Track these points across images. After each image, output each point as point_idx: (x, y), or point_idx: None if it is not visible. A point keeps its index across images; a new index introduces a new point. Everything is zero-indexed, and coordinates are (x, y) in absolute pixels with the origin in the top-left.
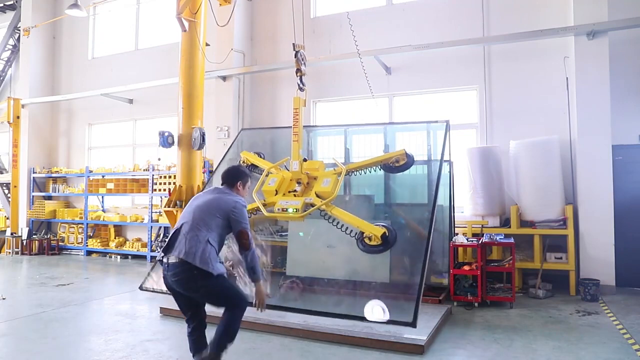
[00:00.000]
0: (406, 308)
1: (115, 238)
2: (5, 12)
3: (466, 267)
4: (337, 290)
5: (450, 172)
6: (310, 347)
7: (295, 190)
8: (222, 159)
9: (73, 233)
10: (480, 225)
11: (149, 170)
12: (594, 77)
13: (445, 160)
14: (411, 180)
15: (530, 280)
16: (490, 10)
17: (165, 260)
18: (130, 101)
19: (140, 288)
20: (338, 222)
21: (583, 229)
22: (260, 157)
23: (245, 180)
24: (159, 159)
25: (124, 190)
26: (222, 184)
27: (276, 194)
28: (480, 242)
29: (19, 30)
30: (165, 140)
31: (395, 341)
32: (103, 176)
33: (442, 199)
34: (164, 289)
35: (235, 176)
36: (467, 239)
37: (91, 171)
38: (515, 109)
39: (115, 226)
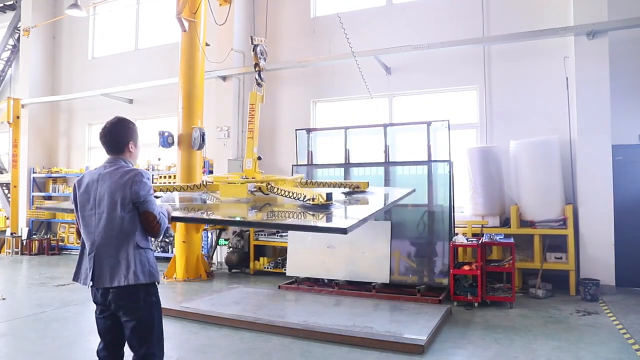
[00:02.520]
0: (404, 308)
1: None
2: (5, 12)
3: (466, 267)
4: (337, 290)
5: (450, 172)
6: (311, 347)
7: (255, 192)
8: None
9: (73, 233)
10: (480, 225)
11: (148, 170)
12: (594, 77)
13: (445, 161)
14: (412, 181)
15: (530, 280)
16: (490, 10)
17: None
18: (130, 101)
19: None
20: (284, 192)
21: (583, 229)
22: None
23: (136, 138)
24: (159, 159)
25: None
26: (108, 153)
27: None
28: (480, 242)
29: (19, 30)
30: (165, 140)
31: (395, 341)
32: None
33: (442, 199)
34: None
35: (122, 135)
36: (467, 239)
37: None
38: (515, 109)
39: None
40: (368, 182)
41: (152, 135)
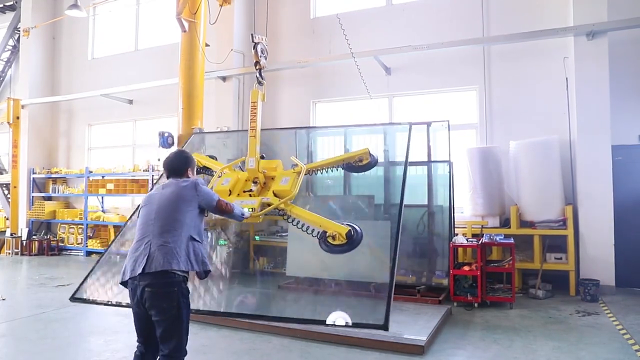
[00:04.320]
0: (404, 308)
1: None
2: (5, 13)
3: (466, 268)
4: (337, 290)
5: (450, 172)
6: (310, 347)
7: (251, 190)
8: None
9: (73, 234)
10: (480, 226)
11: (148, 170)
12: (594, 77)
13: (445, 161)
14: (412, 181)
15: (530, 281)
16: (490, 11)
17: (140, 279)
18: (130, 102)
19: (72, 299)
20: (299, 222)
21: (583, 229)
22: (214, 158)
23: (193, 165)
24: (159, 160)
25: (123, 191)
26: (168, 177)
27: (230, 194)
28: (480, 242)
29: (19, 30)
30: (165, 141)
31: (395, 341)
32: (103, 177)
33: (442, 200)
34: (100, 298)
35: (182, 163)
36: (466, 240)
37: (91, 172)
38: (515, 109)
39: (115, 227)
40: (368, 149)
41: (151, 136)
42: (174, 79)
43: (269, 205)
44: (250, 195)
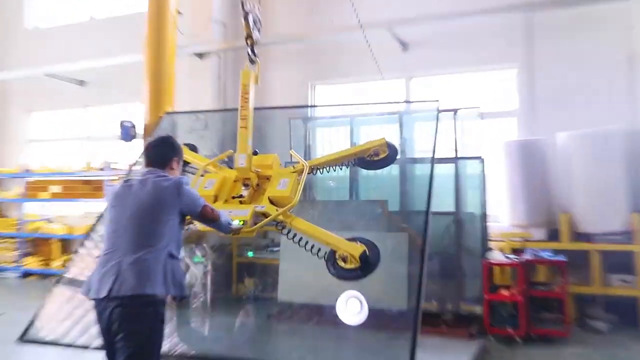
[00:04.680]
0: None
1: (61, 255)
2: None
3: (504, 292)
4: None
5: (482, 171)
6: None
7: (241, 196)
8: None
9: (5, 249)
10: (522, 239)
11: (105, 169)
12: None
13: (476, 157)
14: (435, 183)
15: (589, 309)
16: None
17: (107, 303)
18: (82, 83)
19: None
20: (301, 239)
21: None
22: (193, 151)
23: (180, 155)
24: (119, 156)
25: (73, 195)
26: (148, 165)
27: (215, 200)
28: (521, 259)
29: None
30: (127, 133)
31: None
32: (46, 177)
33: (473, 205)
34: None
35: (167, 151)
36: (504, 256)
37: (30, 170)
38: (565, 93)
39: (61, 240)
40: (385, 139)
41: (110, 126)
42: (137, 55)
43: (264, 215)
44: (240, 202)
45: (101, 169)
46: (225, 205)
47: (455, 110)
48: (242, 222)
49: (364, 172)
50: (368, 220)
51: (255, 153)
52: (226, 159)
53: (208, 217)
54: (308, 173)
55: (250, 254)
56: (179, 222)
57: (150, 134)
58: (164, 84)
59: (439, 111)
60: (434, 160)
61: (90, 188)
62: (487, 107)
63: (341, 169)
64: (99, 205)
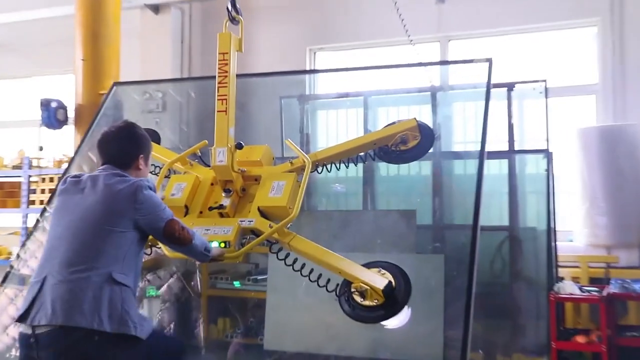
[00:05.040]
0: None
1: None
2: None
3: (580, 338)
4: None
5: (548, 170)
6: None
7: (221, 206)
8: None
9: None
10: (604, 264)
11: (22, 167)
12: None
13: (540, 151)
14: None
15: None
16: None
17: (26, 331)
18: None
19: None
20: (303, 265)
21: None
22: (155, 139)
23: (148, 150)
24: (41, 149)
25: None
26: (104, 164)
27: (187, 212)
28: (604, 293)
29: None
30: (53, 116)
31: None
32: None
33: (535, 218)
34: None
35: (130, 146)
36: (580, 288)
37: None
38: None
39: None
40: (415, 119)
41: (28, 107)
42: (67, 7)
43: (253, 233)
44: (220, 215)
45: (16, 167)
46: (201, 219)
47: (510, 86)
48: (223, 245)
49: (382, 171)
50: (389, 238)
51: (239, 146)
52: (199, 153)
53: (175, 237)
54: (311, 171)
55: (236, 284)
56: (135, 239)
57: (86, 117)
58: (104, 48)
59: (510, 87)
60: (484, 155)
61: (2, 193)
62: (555, 80)
63: (356, 164)
64: (13, 217)
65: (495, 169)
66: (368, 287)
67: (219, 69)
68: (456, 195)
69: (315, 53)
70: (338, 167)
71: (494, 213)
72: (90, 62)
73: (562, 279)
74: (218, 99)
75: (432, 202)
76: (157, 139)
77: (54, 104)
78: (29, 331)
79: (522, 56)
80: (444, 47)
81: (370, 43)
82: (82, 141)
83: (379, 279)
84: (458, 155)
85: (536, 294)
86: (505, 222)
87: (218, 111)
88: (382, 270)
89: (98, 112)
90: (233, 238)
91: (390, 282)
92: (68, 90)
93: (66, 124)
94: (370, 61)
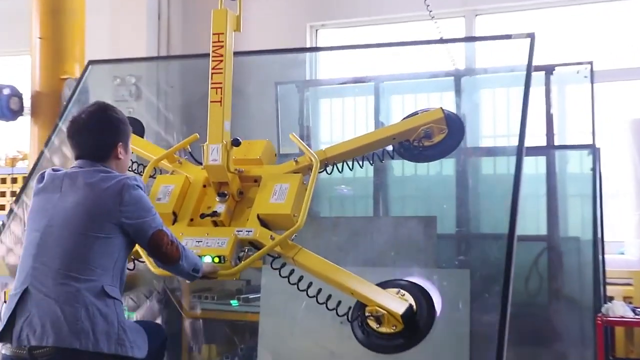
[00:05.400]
0: None
1: None
2: None
3: None
4: None
5: (595, 169)
6: None
7: (215, 213)
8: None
9: None
10: None
11: None
12: None
13: (585, 146)
14: (511, 185)
15: None
16: None
17: (17, 352)
18: None
19: None
20: (310, 284)
21: None
22: (137, 130)
23: (127, 136)
24: None
25: None
26: (79, 157)
27: (175, 219)
28: None
29: None
30: (5, 105)
31: None
32: None
33: (578, 226)
34: None
35: (105, 133)
36: (633, 309)
37: None
38: None
39: None
40: (441, 109)
41: None
42: None
43: (252, 246)
44: (214, 223)
45: None
46: (191, 228)
47: (549, 69)
48: (217, 260)
49: (397, 170)
50: (405, 250)
51: (236, 143)
52: (188, 148)
53: (161, 251)
54: (320, 171)
55: (233, 303)
56: (122, 245)
57: (44, 107)
58: (67, 24)
59: (549, 70)
60: (522, 151)
61: None
62: (602, 63)
63: (371, 163)
64: None
65: (531, 168)
66: (384, 311)
67: (214, 52)
68: (484, 200)
69: (317, 31)
70: (351, 166)
71: (530, 220)
72: (50, 41)
73: (611, 298)
74: (212, 88)
75: (455, 207)
76: (140, 130)
77: (6, 91)
78: (23, 352)
79: (563, 34)
80: (470, 23)
81: (382, 19)
82: (52, 133)
83: (398, 303)
84: (487, 152)
85: (580, 317)
86: (543, 231)
87: (212, 101)
88: (402, 291)
89: (70, 98)
90: (229, 252)
91: (410, 305)
92: (23, 74)
93: (21, 115)
94: (382, 37)
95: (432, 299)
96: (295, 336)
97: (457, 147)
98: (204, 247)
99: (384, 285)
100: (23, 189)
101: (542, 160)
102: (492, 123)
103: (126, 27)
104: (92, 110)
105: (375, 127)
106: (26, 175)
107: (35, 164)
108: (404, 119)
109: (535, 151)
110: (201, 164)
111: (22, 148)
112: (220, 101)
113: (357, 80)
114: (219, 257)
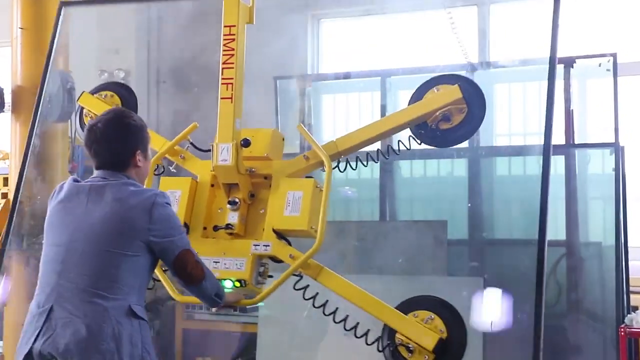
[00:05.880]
0: None
1: None
2: None
3: None
4: None
5: (618, 169)
6: None
7: (229, 226)
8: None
9: None
10: None
11: None
12: None
13: (608, 145)
14: (529, 190)
15: None
16: None
17: None
18: None
19: None
20: (337, 309)
21: None
22: (122, 102)
23: (145, 143)
24: None
25: None
26: (98, 167)
27: (187, 231)
28: None
29: None
30: None
31: None
32: None
33: (598, 231)
34: None
35: (121, 141)
36: None
37: None
38: None
39: None
40: (459, 87)
41: None
42: None
43: (272, 260)
44: (230, 235)
45: None
46: (206, 245)
47: (569, 62)
48: (237, 284)
49: (405, 171)
50: (413, 257)
51: (246, 143)
52: (189, 139)
53: (186, 272)
54: (334, 167)
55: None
56: (147, 264)
57: (27, 102)
58: (51, 14)
59: (568, 63)
60: (549, 149)
61: None
62: (626, 54)
63: (387, 157)
64: None
65: (552, 168)
66: (411, 342)
67: (224, 45)
68: (498, 202)
69: (319, 21)
70: (366, 164)
71: (547, 224)
72: (32, 32)
73: (635, 308)
74: (222, 83)
75: (467, 210)
76: (134, 104)
77: None
78: None
79: (584, 23)
80: (484, 13)
81: (390, 8)
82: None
83: (428, 336)
84: (501, 152)
85: (601, 328)
86: (562, 235)
87: (222, 98)
88: (432, 315)
89: (44, 76)
90: (249, 275)
91: (440, 339)
92: (4, 67)
93: (2, 111)
94: (387, 31)
95: (462, 320)
96: (294, 348)
97: (480, 124)
98: (222, 269)
99: (410, 304)
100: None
101: (560, 159)
102: (507, 120)
103: (114, 18)
104: (109, 118)
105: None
106: (7, 176)
107: (22, 168)
108: (414, 99)
109: (553, 150)
110: (204, 151)
111: (2, 146)
112: (231, 98)
113: (362, 76)
114: (239, 281)
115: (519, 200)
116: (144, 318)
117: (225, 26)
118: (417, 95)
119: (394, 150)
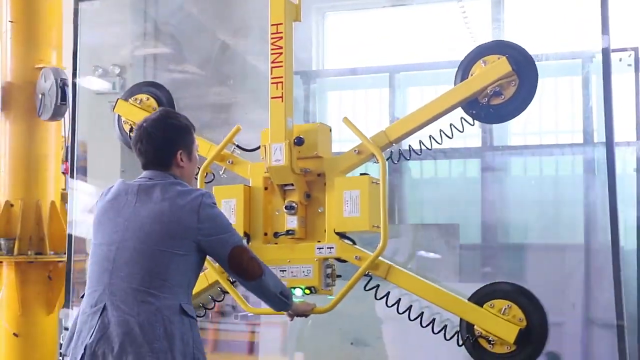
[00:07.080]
0: None
1: None
2: None
3: None
4: None
5: (639, 169)
6: None
7: (289, 232)
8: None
9: None
10: None
11: None
12: None
13: (628, 143)
14: (547, 192)
15: None
16: None
17: None
18: None
19: None
20: (410, 307)
21: None
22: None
23: (189, 140)
24: None
25: None
26: (145, 167)
27: (248, 240)
28: None
29: None
30: None
31: None
32: None
33: (621, 234)
34: None
35: (167, 142)
36: None
37: None
38: None
39: None
40: (507, 59)
41: None
42: None
43: (337, 260)
44: (293, 238)
45: None
46: (270, 252)
47: (588, 57)
48: (307, 292)
49: (414, 172)
50: (423, 262)
51: (299, 142)
52: (235, 142)
53: (242, 268)
54: (396, 162)
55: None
56: (196, 263)
57: (18, 101)
58: (42, 6)
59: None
60: (612, 144)
61: None
62: None
63: (440, 142)
64: None
65: (567, 169)
66: (491, 334)
67: (272, 44)
68: (513, 205)
69: (324, 14)
70: (419, 150)
71: (564, 227)
72: (23, 25)
73: None
74: (272, 83)
75: (480, 213)
76: (170, 101)
77: None
78: None
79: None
80: (498, 5)
81: (397, 1)
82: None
83: (507, 328)
84: (516, 151)
85: (622, 339)
86: (580, 239)
87: (272, 98)
88: (509, 303)
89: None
90: (317, 281)
91: (520, 330)
92: None
93: None
94: (396, 25)
95: (542, 308)
96: (298, 357)
97: (534, 95)
98: (289, 277)
99: (487, 292)
100: None
101: (579, 159)
102: (523, 119)
103: (110, 6)
104: (155, 118)
105: (390, 123)
106: None
107: None
108: (460, 76)
109: (571, 149)
110: (249, 151)
111: None
112: (282, 97)
113: (369, 71)
114: (309, 288)
115: (534, 202)
116: (194, 317)
117: (272, 25)
118: (464, 70)
119: (414, 151)
